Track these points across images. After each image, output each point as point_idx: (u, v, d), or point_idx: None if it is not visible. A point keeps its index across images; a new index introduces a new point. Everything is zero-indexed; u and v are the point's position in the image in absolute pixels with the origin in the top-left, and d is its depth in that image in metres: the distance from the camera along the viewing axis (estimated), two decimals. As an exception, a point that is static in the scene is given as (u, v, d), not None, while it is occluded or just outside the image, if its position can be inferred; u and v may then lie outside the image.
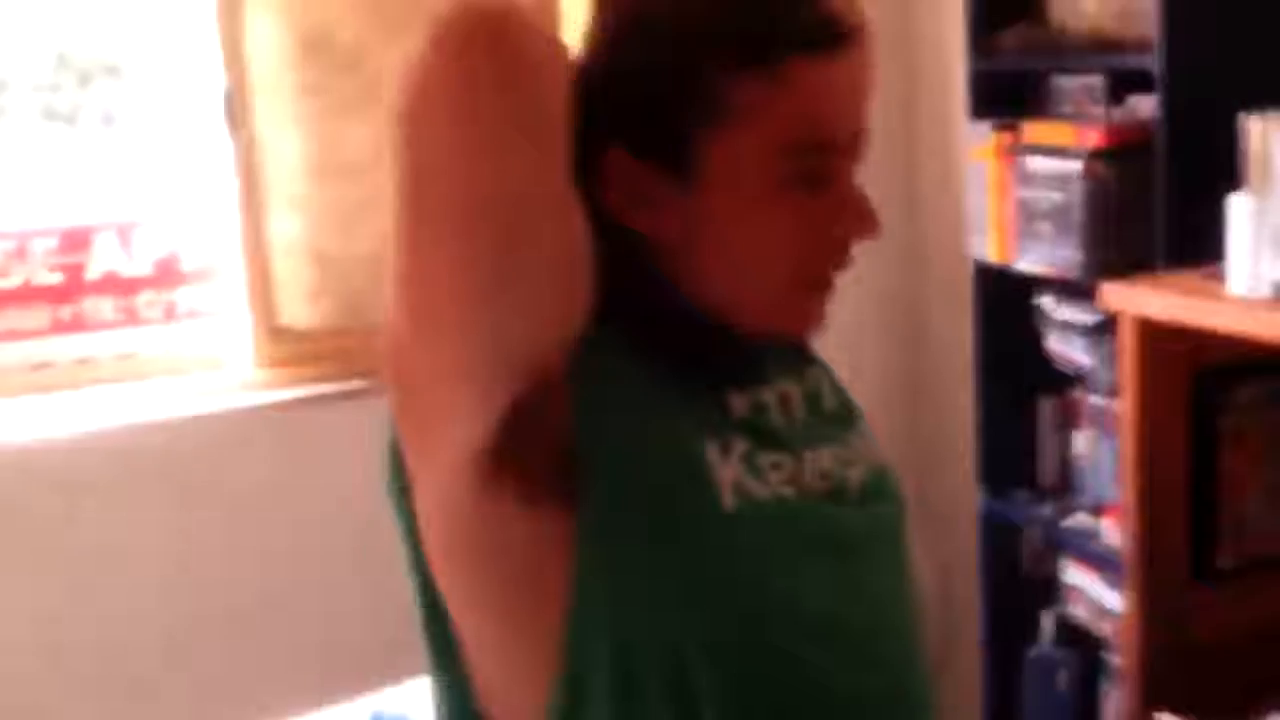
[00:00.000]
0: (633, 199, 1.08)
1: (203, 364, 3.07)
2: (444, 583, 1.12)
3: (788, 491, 1.11)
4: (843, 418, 1.24)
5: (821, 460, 1.16)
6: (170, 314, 3.12)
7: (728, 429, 1.11)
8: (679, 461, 1.07)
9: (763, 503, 1.09)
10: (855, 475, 1.18)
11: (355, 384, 3.02)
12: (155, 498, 2.86)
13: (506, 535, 1.06)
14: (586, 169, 1.05)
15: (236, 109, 2.99)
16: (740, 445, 1.10)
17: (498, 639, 1.11)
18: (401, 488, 1.12)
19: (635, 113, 1.07)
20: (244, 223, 3.03)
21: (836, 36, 1.05)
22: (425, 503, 1.10)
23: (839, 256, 1.12)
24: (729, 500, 1.07)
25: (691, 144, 1.05)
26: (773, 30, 1.04)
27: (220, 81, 2.99)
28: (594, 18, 1.10)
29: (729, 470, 1.08)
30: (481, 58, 0.92)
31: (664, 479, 1.06)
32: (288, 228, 3.06)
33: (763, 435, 1.13)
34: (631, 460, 1.06)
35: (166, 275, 3.13)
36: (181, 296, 3.13)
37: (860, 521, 1.17)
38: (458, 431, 1.02)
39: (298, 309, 3.09)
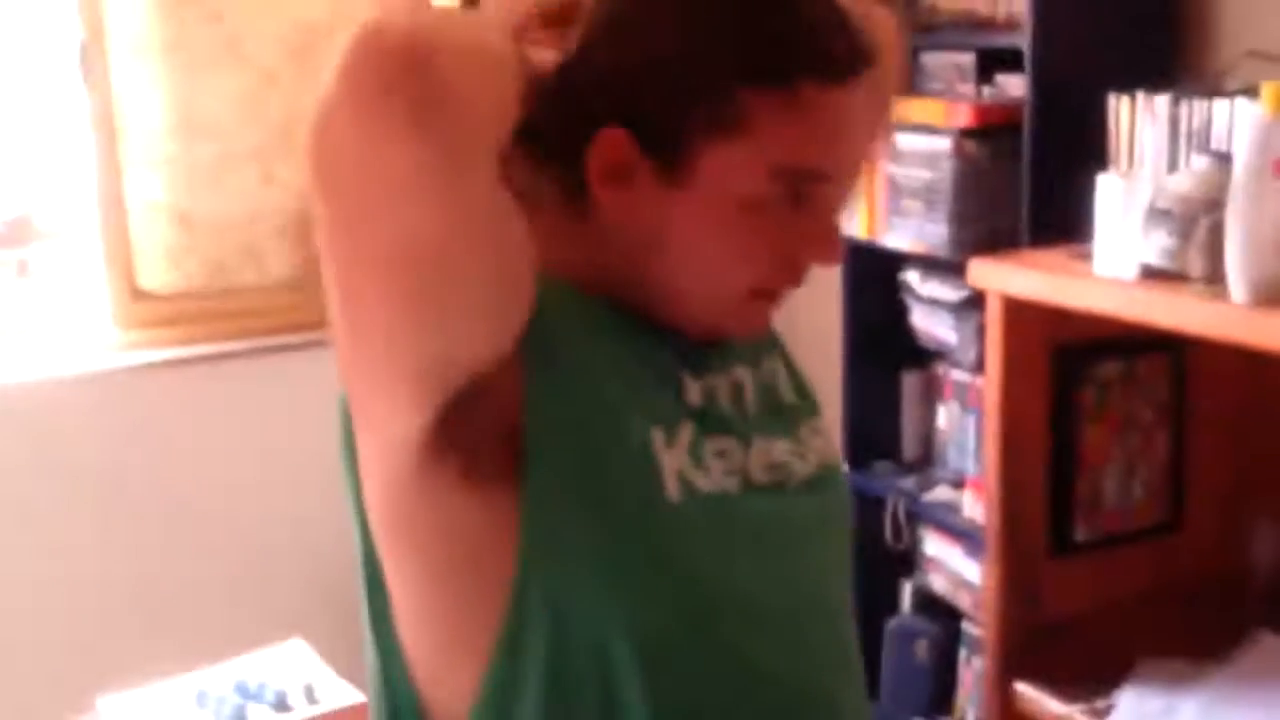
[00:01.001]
0: (614, 176, 1.05)
1: (59, 325, 2.98)
2: (384, 555, 1.10)
3: (731, 483, 1.10)
4: (797, 410, 1.22)
5: (771, 452, 1.15)
6: (23, 273, 3.02)
7: (677, 415, 1.09)
8: (624, 449, 1.05)
9: (706, 495, 1.07)
10: (802, 470, 1.17)
11: (219, 347, 2.95)
12: (9, 461, 2.77)
13: (448, 515, 1.04)
14: (578, 128, 1.04)
15: (93, 63, 2.90)
16: (687, 433, 1.08)
17: (434, 618, 1.09)
18: (352, 450, 1.09)
19: (640, 98, 1.04)
20: (101, 181, 2.94)
21: (854, 66, 1.04)
22: (368, 473, 1.07)
23: (796, 275, 1.11)
24: (673, 491, 1.06)
25: (688, 145, 1.03)
26: (793, 50, 1.02)
27: (75, 33, 2.89)
28: None
29: (674, 459, 1.07)
30: (392, 95, 0.88)
31: (608, 466, 1.05)
32: (147, 187, 2.98)
33: (711, 422, 1.11)
34: (577, 446, 1.04)
35: (19, 232, 3.02)
36: (35, 255, 3.03)
37: (802, 515, 1.16)
38: (397, 420, 1.00)
39: (158, 271, 3.01)
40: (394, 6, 0.93)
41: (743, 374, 1.17)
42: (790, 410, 1.21)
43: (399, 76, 0.88)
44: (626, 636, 1.04)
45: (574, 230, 1.10)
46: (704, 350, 1.14)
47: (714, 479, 1.09)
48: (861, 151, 1.10)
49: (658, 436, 1.06)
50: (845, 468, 2.99)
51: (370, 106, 0.88)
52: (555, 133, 1.06)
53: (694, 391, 1.12)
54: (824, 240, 1.10)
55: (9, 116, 2.98)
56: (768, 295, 1.12)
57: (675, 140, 1.04)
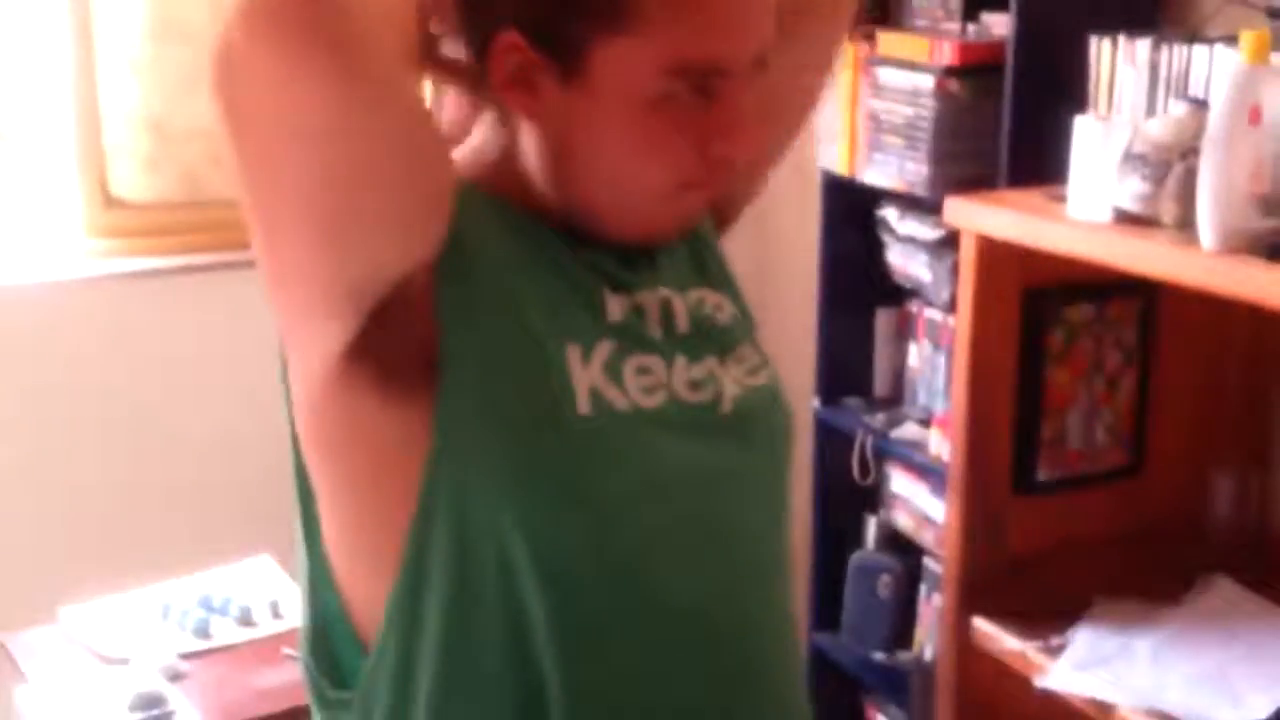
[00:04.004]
0: (516, 82, 1.06)
1: (29, 231, 2.96)
2: (309, 463, 1.12)
3: (650, 401, 1.10)
4: (731, 336, 1.21)
5: (695, 369, 1.15)
6: (-6, 177, 3.00)
7: (596, 332, 1.10)
8: (535, 363, 1.06)
9: (618, 412, 1.08)
10: (731, 392, 1.16)
11: (191, 259, 2.94)
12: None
13: (363, 421, 1.06)
14: (480, 40, 1.06)
15: (70, -36, 2.86)
16: (605, 350, 1.09)
17: (349, 525, 1.11)
18: (285, 362, 1.12)
19: (534, 2, 1.04)
20: (75, 86, 2.91)
21: None
22: (293, 384, 1.09)
23: (714, 172, 1.10)
24: (583, 405, 1.07)
25: (583, 44, 1.03)
26: None
27: (54, -65, 2.85)
28: None
29: (587, 376, 1.07)
30: (289, 26, 0.89)
31: (518, 379, 1.06)
32: (123, 94, 2.95)
33: (632, 339, 1.12)
34: (488, 360, 1.05)
35: (-10, 137, 2.99)
36: (4, 160, 3.00)
37: (728, 436, 1.16)
38: (317, 334, 1.03)
39: (132, 179, 2.99)
40: None
41: (674, 296, 1.17)
42: (724, 332, 1.21)
43: (295, 7, 0.89)
44: (525, 543, 1.05)
45: (501, 146, 1.12)
46: (631, 271, 1.15)
47: (631, 396, 1.09)
48: (762, 44, 1.08)
49: (573, 352, 1.08)
50: (814, 402, 3.02)
51: (269, 39, 0.90)
52: (462, 44, 1.08)
53: (616, 309, 1.12)
54: (733, 131, 1.07)
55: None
56: (687, 193, 1.11)
57: (568, 39, 1.04)
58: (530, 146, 1.10)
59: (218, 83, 0.94)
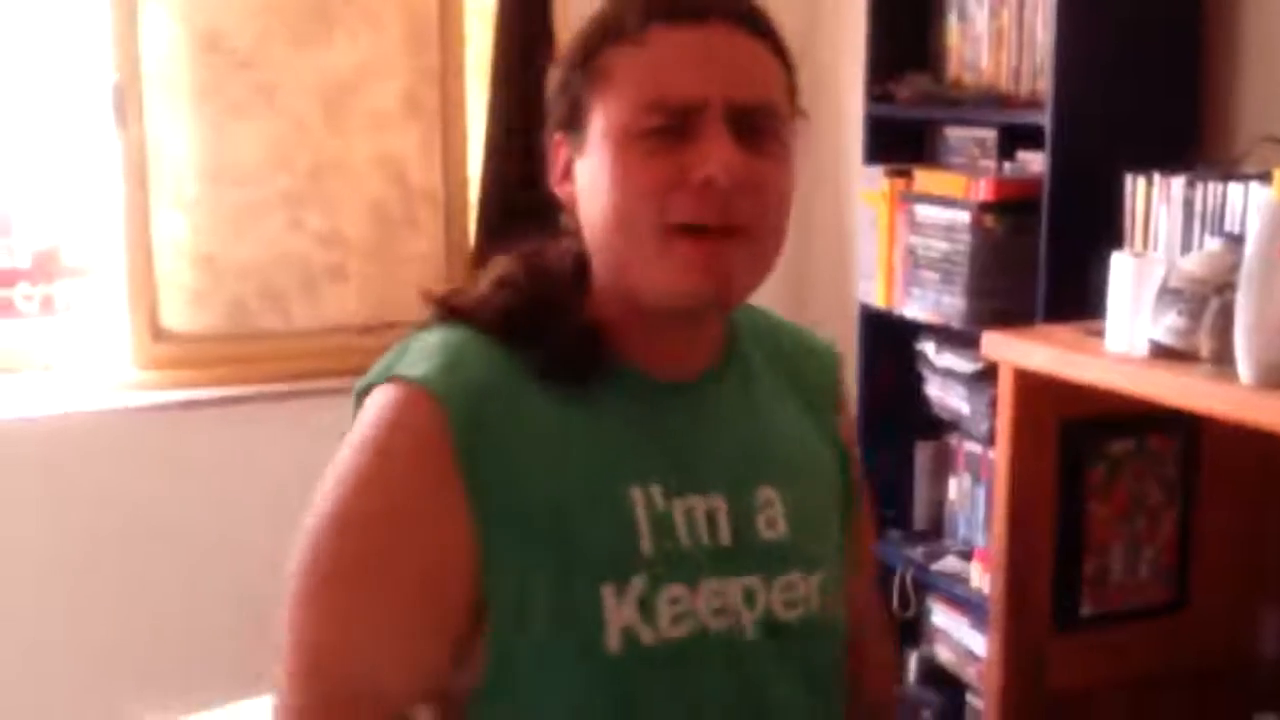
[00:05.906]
0: (561, 172, 1.23)
1: (80, 361, 3.01)
2: None
3: (678, 631, 1.15)
4: (778, 556, 1.23)
5: (724, 595, 1.18)
6: (48, 308, 3.06)
7: (630, 568, 1.14)
8: (567, 605, 1.12)
9: (647, 647, 1.14)
10: (752, 617, 1.20)
11: (238, 390, 2.97)
12: (25, 495, 2.79)
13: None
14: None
15: (126, 105, 2.94)
16: (638, 586, 1.14)
17: None
18: None
19: (555, 101, 1.23)
20: (128, 221, 2.98)
21: (693, 7, 1.16)
22: None
23: (702, 203, 1.14)
24: (614, 644, 1.12)
25: (583, 108, 1.19)
26: (639, 7, 1.18)
27: (110, 76, 2.94)
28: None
29: (621, 615, 1.13)
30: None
31: (550, 621, 1.12)
32: (174, 228, 3.02)
33: (665, 569, 1.16)
34: (522, 599, 1.12)
35: (46, 268, 3.06)
36: (60, 291, 3.07)
37: (749, 667, 1.20)
38: None
39: (180, 311, 3.04)
40: None
41: (718, 502, 1.21)
42: (770, 551, 1.23)
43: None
44: None
45: (575, 254, 1.24)
46: (692, 459, 1.20)
47: (661, 629, 1.14)
48: (734, 88, 1.16)
49: (608, 592, 1.13)
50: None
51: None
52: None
53: (648, 541, 1.16)
54: (710, 156, 1.14)
55: (43, 152, 3.03)
56: (687, 233, 1.15)
57: (576, 109, 1.20)
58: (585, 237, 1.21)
59: None
